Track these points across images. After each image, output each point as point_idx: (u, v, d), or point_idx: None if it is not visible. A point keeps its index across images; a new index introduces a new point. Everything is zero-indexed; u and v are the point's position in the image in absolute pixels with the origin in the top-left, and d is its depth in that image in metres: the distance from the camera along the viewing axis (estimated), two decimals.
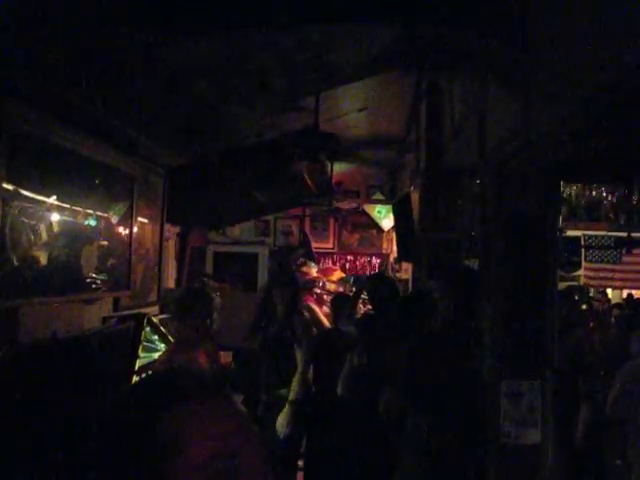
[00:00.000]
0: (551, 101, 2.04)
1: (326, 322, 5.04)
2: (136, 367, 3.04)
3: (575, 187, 4.64)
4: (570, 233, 7.18)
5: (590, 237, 7.80)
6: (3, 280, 2.39)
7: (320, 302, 5.71)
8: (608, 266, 7.97)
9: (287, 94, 3.24)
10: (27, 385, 2.22)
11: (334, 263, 8.01)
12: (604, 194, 4.71)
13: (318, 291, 5.75)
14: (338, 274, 6.80)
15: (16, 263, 2.51)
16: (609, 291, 8.66)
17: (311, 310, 5.13)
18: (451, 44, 3.04)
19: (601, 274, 8.05)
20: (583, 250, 7.94)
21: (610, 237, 7.66)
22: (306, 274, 5.61)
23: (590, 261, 8.01)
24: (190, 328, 2.93)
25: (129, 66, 2.46)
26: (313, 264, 6.03)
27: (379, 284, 3.67)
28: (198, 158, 4.34)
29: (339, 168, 6.88)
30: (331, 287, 6.17)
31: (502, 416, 2.39)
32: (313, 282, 5.54)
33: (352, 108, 4.80)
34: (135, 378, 2.96)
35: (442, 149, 4.03)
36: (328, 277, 6.34)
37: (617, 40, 1.58)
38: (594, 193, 4.66)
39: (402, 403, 2.63)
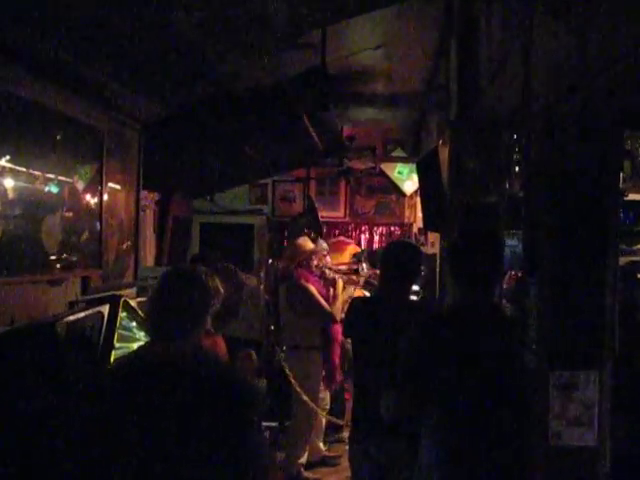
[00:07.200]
0: (617, 28, 2.00)
1: (324, 304, 5.00)
2: (111, 360, 3.06)
3: None
4: (632, 197, 7.10)
5: None
6: None
7: (325, 283, 5.45)
8: None
9: (287, 27, 3.19)
10: None
11: (345, 235, 7.99)
12: None
13: (323, 269, 5.52)
14: (351, 249, 6.78)
15: None
16: None
17: (307, 291, 5.01)
18: None
19: None
20: None
21: None
22: (300, 247, 5.32)
23: None
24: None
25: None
26: (314, 235, 5.88)
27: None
28: (181, 109, 4.31)
29: (351, 119, 6.84)
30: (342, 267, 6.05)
31: (551, 413, 2.40)
32: (309, 256, 5.25)
33: (366, 45, 4.74)
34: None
35: (478, 93, 3.98)
36: (339, 255, 6.27)
37: None
38: None
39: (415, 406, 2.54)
